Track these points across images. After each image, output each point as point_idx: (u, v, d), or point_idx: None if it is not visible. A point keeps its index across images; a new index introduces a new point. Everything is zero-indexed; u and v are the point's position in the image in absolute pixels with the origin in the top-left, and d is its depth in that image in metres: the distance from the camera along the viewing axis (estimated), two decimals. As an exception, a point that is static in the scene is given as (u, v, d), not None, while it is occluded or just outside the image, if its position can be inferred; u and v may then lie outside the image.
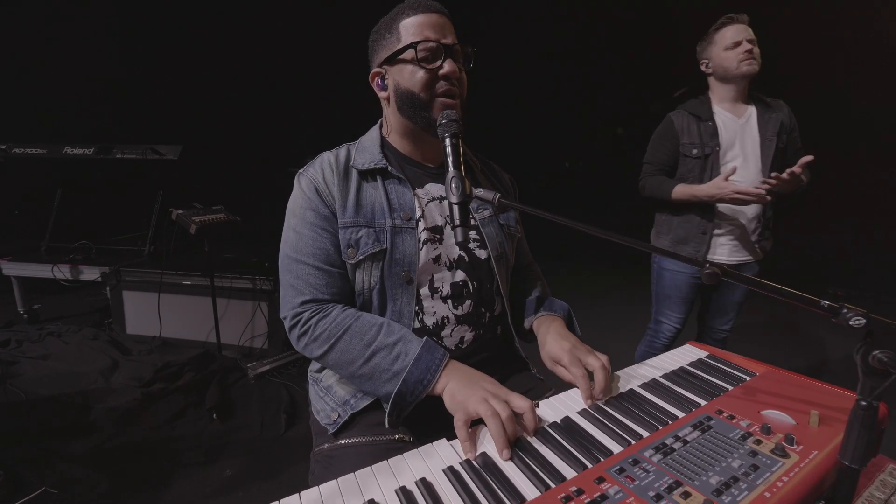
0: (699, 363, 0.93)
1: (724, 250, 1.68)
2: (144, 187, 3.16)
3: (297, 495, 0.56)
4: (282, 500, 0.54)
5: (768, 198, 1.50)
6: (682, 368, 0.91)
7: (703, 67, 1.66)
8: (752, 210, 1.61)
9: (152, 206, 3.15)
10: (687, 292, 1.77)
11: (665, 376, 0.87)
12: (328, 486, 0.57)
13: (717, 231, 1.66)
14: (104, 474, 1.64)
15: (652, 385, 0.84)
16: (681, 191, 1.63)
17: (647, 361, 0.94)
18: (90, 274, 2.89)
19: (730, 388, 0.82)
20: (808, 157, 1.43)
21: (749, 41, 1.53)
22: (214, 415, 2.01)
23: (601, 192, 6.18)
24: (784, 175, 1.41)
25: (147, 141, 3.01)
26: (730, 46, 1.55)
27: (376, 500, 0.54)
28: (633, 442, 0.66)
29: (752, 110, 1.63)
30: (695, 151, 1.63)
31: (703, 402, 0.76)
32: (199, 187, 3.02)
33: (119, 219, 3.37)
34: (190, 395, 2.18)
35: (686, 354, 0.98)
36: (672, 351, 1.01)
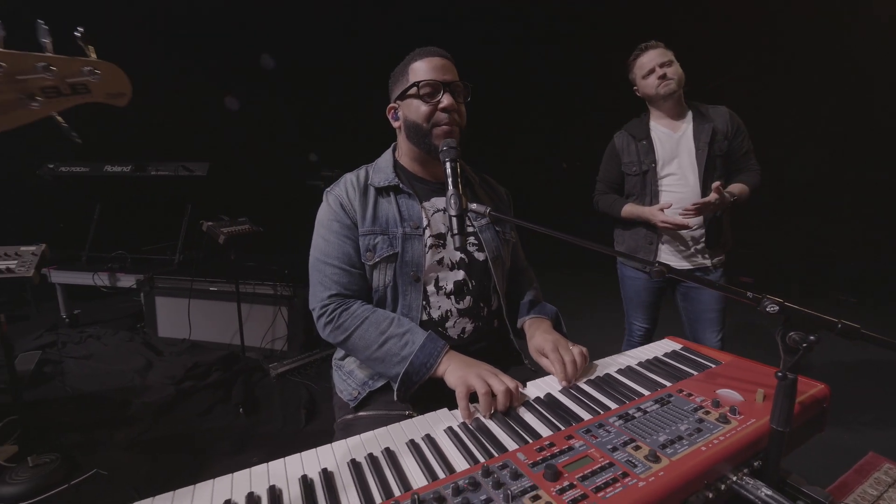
0: (673, 354, 1.06)
1: (670, 259, 1.76)
2: (175, 201, 3.41)
3: (329, 445, 0.71)
4: (318, 448, 0.70)
5: (690, 224, 1.61)
6: (656, 358, 1.03)
7: (636, 93, 1.77)
8: (694, 222, 1.65)
9: (182, 219, 3.39)
10: (646, 296, 1.87)
11: (640, 364, 1.00)
12: (353, 440, 0.73)
13: (661, 241, 1.76)
14: (145, 460, 1.82)
15: (626, 371, 0.97)
16: (628, 210, 1.76)
17: (627, 352, 1.07)
18: (126, 281, 3.12)
19: (695, 373, 0.94)
20: (716, 183, 1.54)
21: (662, 65, 1.62)
22: (241, 409, 2.18)
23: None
24: (693, 208, 1.56)
25: (178, 158, 3.26)
26: (646, 74, 1.66)
27: (392, 448, 0.69)
28: (601, 412, 0.79)
29: (688, 122, 1.70)
30: (634, 169, 1.75)
31: (668, 384, 0.89)
32: (225, 201, 3.24)
33: (151, 230, 3.63)
34: (218, 392, 2.36)
35: (663, 346, 1.11)
36: (652, 343, 1.13)
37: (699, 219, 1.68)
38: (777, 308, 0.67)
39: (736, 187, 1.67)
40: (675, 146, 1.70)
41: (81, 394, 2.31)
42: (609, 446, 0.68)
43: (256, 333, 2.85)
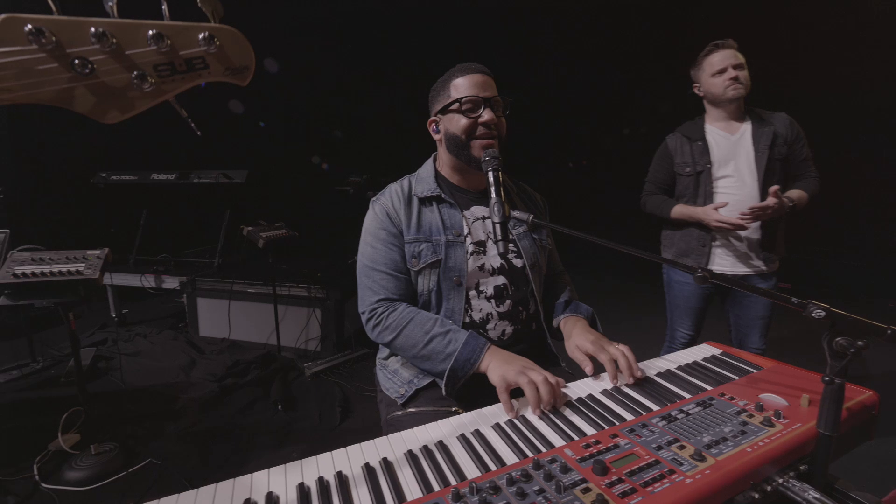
0: (712, 358, 1.06)
1: (724, 262, 1.74)
2: (215, 207, 3.59)
3: (385, 437, 0.76)
4: (376, 440, 0.75)
5: (747, 227, 1.59)
6: (695, 362, 1.04)
7: (696, 90, 1.75)
8: (751, 224, 1.64)
9: (221, 224, 3.56)
10: (695, 302, 1.84)
11: (679, 368, 1.01)
12: (407, 433, 0.77)
13: (715, 244, 1.73)
14: (194, 451, 1.93)
15: (666, 374, 0.98)
16: (679, 211, 1.74)
17: (665, 356, 1.08)
18: (170, 283, 3.30)
19: (736, 378, 0.95)
20: (775, 187, 1.53)
21: (735, 66, 1.60)
22: (279, 406, 2.28)
23: (606, 193, 6.18)
24: (754, 211, 1.54)
25: (219, 167, 3.43)
26: (716, 73, 1.63)
27: (444, 441, 0.74)
28: (643, 413, 0.81)
29: (746, 126, 1.69)
30: (687, 170, 1.73)
31: (709, 388, 0.91)
32: (262, 207, 3.39)
33: (192, 234, 3.82)
34: (257, 389, 2.47)
35: (701, 351, 1.12)
36: (689, 348, 1.14)
37: (756, 222, 1.66)
38: (823, 313, 0.68)
39: (794, 193, 1.65)
40: (732, 148, 1.68)
41: (133, 388, 2.47)
42: (654, 445, 0.70)
43: (291, 334, 2.96)
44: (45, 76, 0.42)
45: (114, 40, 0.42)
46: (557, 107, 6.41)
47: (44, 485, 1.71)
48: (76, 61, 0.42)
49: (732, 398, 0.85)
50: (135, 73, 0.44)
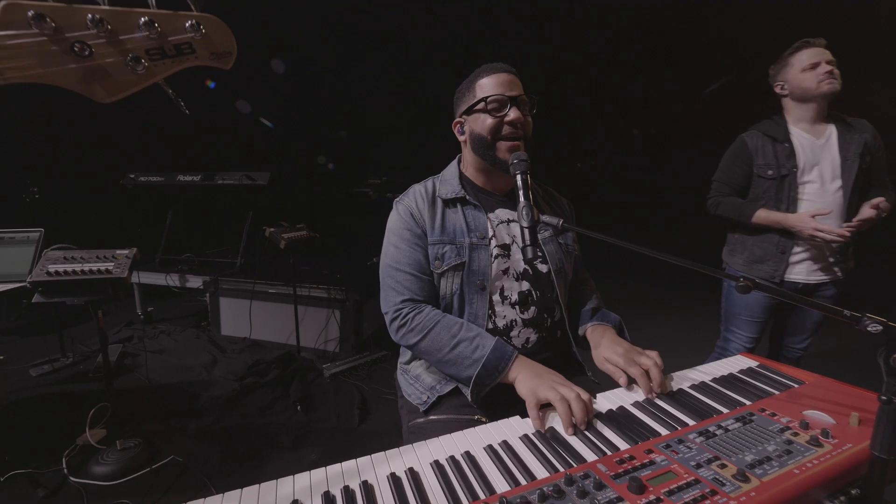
0: (749, 371, 1.02)
1: (801, 269, 1.68)
2: (238, 208, 3.66)
3: (410, 446, 0.75)
4: (401, 448, 0.73)
5: (847, 237, 1.52)
6: (731, 374, 1.00)
7: (777, 89, 1.67)
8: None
9: (243, 224, 3.62)
10: (759, 312, 1.76)
11: (714, 380, 0.97)
12: (433, 442, 0.76)
13: (796, 250, 1.67)
14: (215, 450, 1.96)
15: (700, 386, 0.94)
16: (763, 216, 1.65)
17: (698, 367, 1.04)
18: (194, 282, 3.37)
19: (776, 392, 0.90)
20: (880, 199, 1.49)
21: (829, 62, 1.55)
22: (298, 407, 2.29)
23: (615, 193, 6.02)
24: (856, 225, 1.51)
25: (242, 169, 3.49)
26: (807, 67, 1.57)
27: (471, 452, 0.72)
28: (678, 428, 0.78)
29: (831, 130, 1.63)
30: (770, 173, 1.64)
31: (747, 402, 0.86)
32: (284, 208, 3.44)
33: (215, 235, 3.90)
34: (276, 389, 2.49)
35: (737, 363, 1.07)
36: (723, 360, 1.09)
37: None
38: (880, 328, 0.64)
39: (885, 204, 1.57)
40: (817, 153, 1.62)
41: (157, 385, 2.52)
42: (692, 462, 0.67)
43: (311, 334, 2.98)
44: (48, 57, 0.46)
45: (109, 26, 0.46)
46: (564, 106, 6.35)
47: (72, 478, 1.75)
48: (76, 45, 0.46)
49: (774, 414, 0.80)
50: (129, 56, 0.48)
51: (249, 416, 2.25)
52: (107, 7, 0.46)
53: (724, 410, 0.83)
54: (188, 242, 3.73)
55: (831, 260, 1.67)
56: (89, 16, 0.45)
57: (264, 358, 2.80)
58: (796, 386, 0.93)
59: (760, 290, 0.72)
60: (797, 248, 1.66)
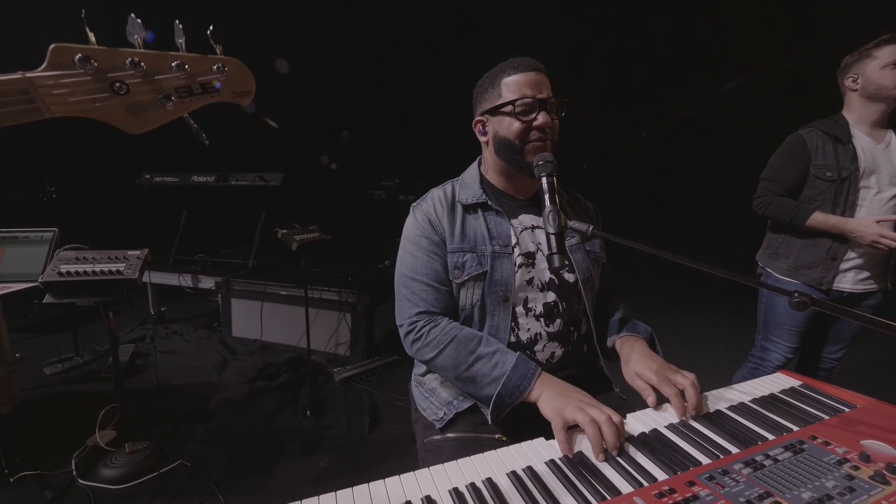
0: (791, 391, 0.94)
1: (849, 277, 1.60)
2: (250, 209, 3.66)
3: (427, 470, 0.69)
4: (416, 472, 0.68)
5: None
6: (772, 395, 0.92)
7: (848, 82, 1.57)
8: None
9: (256, 226, 3.62)
10: (802, 321, 1.68)
11: (754, 401, 0.89)
12: (451, 466, 0.70)
13: (849, 257, 1.58)
14: (223, 455, 1.92)
15: (740, 408, 0.87)
16: (820, 220, 1.56)
17: (735, 386, 0.96)
18: (206, 283, 3.37)
19: (826, 417, 0.82)
20: None
21: None
22: (308, 412, 2.25)
23: (623, 195, 5.89)
24: None
25: (255, 170, 3.49)
26: (889, 65, 1.47)
27: (493, 479, 0.66)
28: (721, 456, 0.71)
29: (891, 136, 1.56)
30: (829, 174, 1.55)
31: (795, 428, 0.78)
32: (296, 209, 3.42)
33: (228, 236, 3.91)
34: (286, 393, 2.45)
35: (777, 382, 0.99)
36: (761, 378, 1.01)
37: None
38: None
39: None
40: (878, 158, 1.54)
41: (168, 386, 2.51)
42: (741, 499, 0.60)
43: (322, 337, 2.95)
44: (91, 94, 0.51)
45: (144, 67, 0.52)
46: (570, 106, 6.27)
47: (80, 480, 1.73)
48: (116, 84, 0.52)
49: (828, 443, 0.73)
50: (161, 94, 0.54)
51: (258, 420, 2.22)
52: (144, 51, 0.52)
53: (770, 437, 0.76)
54: (202, 243, 3.74)
55: (881, 268, 1.59)
56: (129, 59, 0.51)
57: (274, 361, 2.77)
58: (847, 410, 0.85)
59: (818, 308, 0.65)
60: (850, 255, 1.58)
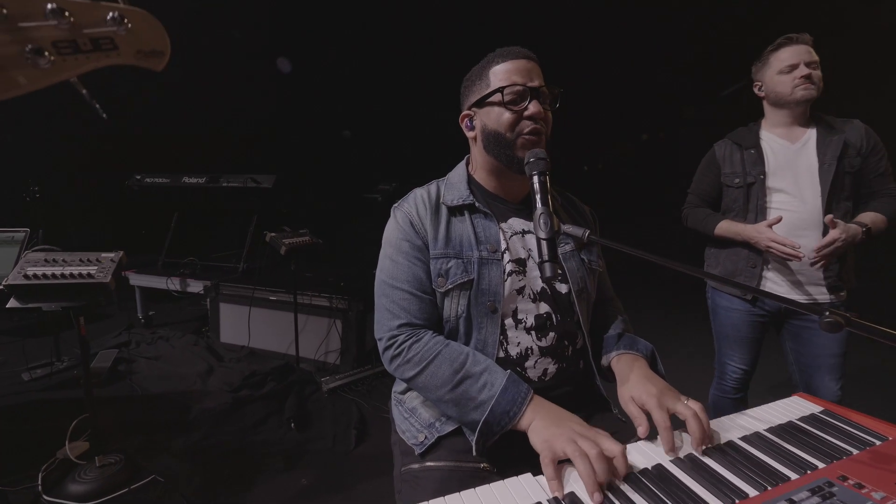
0: (812, 419, 0.84)
1: (778, 289, 1.48)
2: (242, 211, 3.57)
3: (393, 512, 0.59)
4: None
5: (801, 257, 1.35)
6: (790, 423, 0.82)
7: (755, 90, 1.53)
8: (810, 244, 1.39)
9: (247, 229, 3.53)
10: (747, 332, 1.58)
11: (770, 430, 0.79)
12: (427, 506, 0.60)
13: (768, 266, 1.49)
14: (199, 470, 1.82)
15: (754, 439, 0.77)
16: (725, 227, 1.54)
17: (748, 412, 0.86)
18: (195, 287, 3.28)
19: (854, 451, 0.72)
20: (828, 217, 1.31)
21: (808, 64, 1.38)
22: (293, 424, 2.15)
23: (623, 198, 5.81)
24: (822, 253, 1.35)
25: (246, 171, 3.42)
26: (784, 70, 1.41)
27: (469, 527, 0.56)
28: (736, 500, 0.61)
29: (810, 134, 1.46)
30: (736, 181, 1.53)
31: (820, 465, 0.69)
32: (287, 212, 3.34)
33: (219, 238, 3.82)
34: (271, 403, 2.35)
35: (794, 407, 0.89)
36: (778, 402, 0.91)
37: (816, 240, 1.40)
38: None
39: (868, 216, 1.39)
40: (791, 159, 1.46)
41: (148, 395, 2.41)
42: (765, 560, 0.50)
43: (311, 345, 2.85)
44: None
45: (4, 10, 0.38)
46: (570, 106, 6.22)
47: (45, 497, 1.63)
48: None
49: (861, 486, 0.63)
50: (28, 47, 0.40)
51: (240, 432, 2.12)
52: None
53: (792, 476, 0.66)
54: (192, 246, 3.66)
55: (812, 279, 1.44)
56: None
57: (260, 369, 2.67)
58: (879, 443, 0.75)
59: (853, 329, 0.56)
60: (769, 264, 1.49)
